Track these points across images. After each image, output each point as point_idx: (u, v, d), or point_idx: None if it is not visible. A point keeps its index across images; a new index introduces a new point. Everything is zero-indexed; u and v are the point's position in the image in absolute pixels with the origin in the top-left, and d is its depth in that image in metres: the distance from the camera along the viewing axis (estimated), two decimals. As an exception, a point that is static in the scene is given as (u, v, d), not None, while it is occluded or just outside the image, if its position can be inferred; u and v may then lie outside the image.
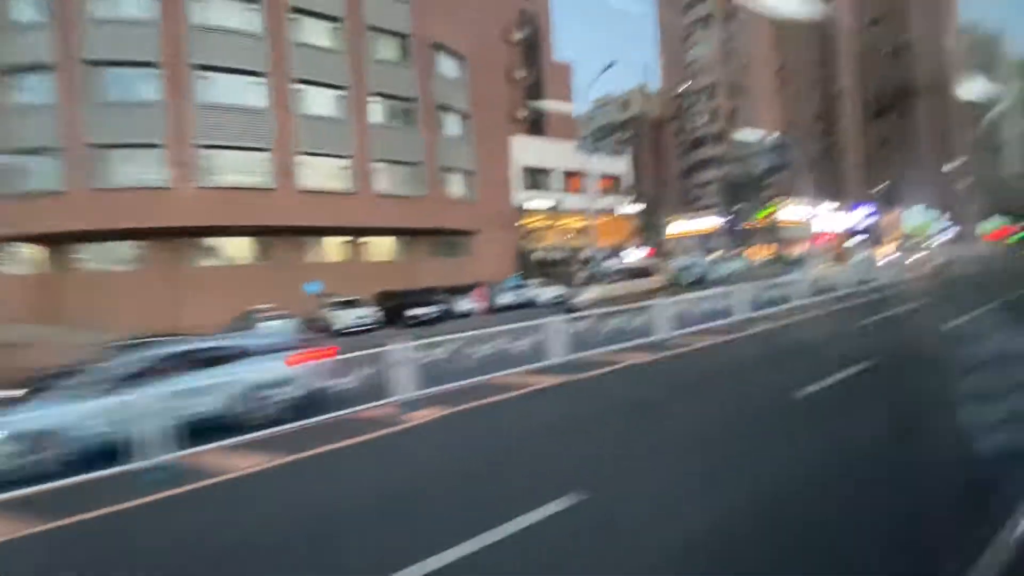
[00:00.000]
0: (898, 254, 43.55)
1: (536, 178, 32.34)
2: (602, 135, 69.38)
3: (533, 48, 36.80)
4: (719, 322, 11.62)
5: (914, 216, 67.06)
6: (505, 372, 8.22)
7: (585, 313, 11.10)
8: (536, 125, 36.76)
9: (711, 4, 55.52)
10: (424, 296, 22.14)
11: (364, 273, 25.01)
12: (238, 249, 23.46)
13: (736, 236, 47.39)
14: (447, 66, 27.82)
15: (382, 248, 27.05)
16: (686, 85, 59.20)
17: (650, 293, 16.70)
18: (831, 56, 68.21)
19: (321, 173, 23.07)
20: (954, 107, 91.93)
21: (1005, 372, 5.50)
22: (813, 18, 61.05)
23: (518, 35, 36.17)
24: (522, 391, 7.62)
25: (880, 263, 23.80)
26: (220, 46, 20.78)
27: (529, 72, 36.86)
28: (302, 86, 22.59)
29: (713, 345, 10.14)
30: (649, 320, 10.51)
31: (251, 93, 21.51)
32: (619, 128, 66.97)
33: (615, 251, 34.29)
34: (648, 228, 53.58)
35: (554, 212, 32.27)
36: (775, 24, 56.05)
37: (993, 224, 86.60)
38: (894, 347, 8.57)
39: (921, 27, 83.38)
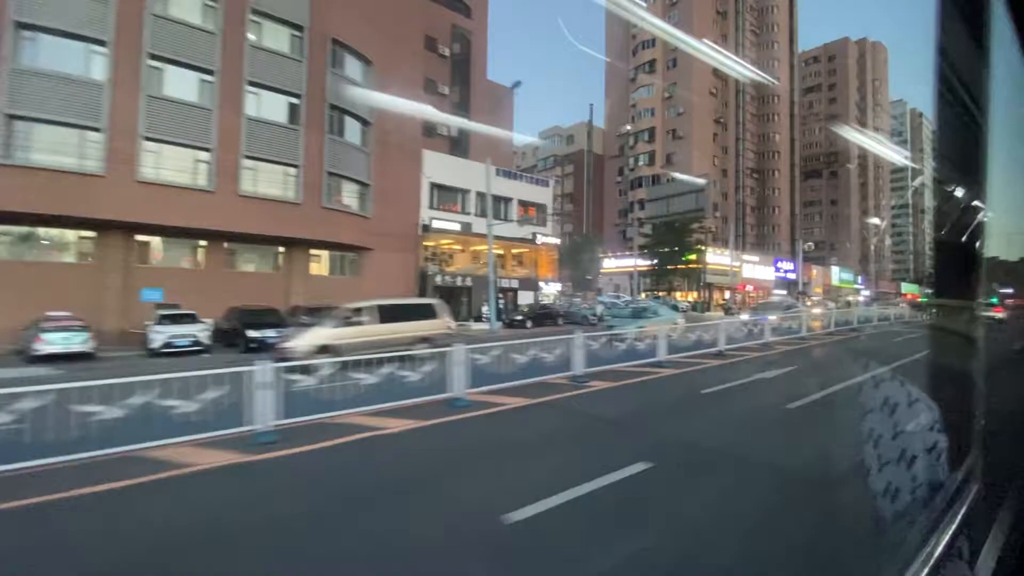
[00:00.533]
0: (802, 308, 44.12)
1: (447, 198, 30.16)
2: (545, 166, 69.09)
3: (463, 65, 35.25)
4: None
5: (836, 274, 69.52)
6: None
7: (307, 362, 8.35)
8: (458, 144, 34.89)
9: (656, 50, 56.55)
10: (278, 316, 19.10)
11: (226, 284, 21.71)
12: (65, 243, 19.79)
13: (662, 277, 46.86)
14: (351, 68, 25.56)
15: (261, 257, 23.88)
16: (627, 127, 59.66)
17: (425, 339, 13.60)
18: (768, 115, 71.34)
19: (173, 164, 19.91)
20: (880, 173, 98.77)
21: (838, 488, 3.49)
22: (752, 79, 63.55)
23: (445, 50, 34.56)
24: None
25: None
26: (57, 10, 17.69)
27: (456, 89, 35.16)
28: (159, 64, 19.61)
29: (414, 431, 6.67)
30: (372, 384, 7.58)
31: (89, 64, 18.36)
32: (562, 160, 66.73)
33: (528, 282, 32.36)
34: (576, 263, 52.55)
35: (466, 235, 30.08)
36: (717, 76, 57.68)
37: (910, 287, 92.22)
38: (698, 437, 6.46)
39: (852, 98, 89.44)
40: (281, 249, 23.84)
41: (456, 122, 34.65)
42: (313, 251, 25.05)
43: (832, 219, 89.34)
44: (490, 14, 38.71)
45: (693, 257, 46.05)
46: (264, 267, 23.95)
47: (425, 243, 29.17)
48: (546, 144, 67.85)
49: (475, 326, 26.10)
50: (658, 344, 12.37)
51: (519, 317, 26.51)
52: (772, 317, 24.68)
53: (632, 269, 50.96)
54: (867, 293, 76.62)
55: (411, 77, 28.76)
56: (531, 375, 9.52)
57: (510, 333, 23.26)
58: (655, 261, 46.90)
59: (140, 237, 20.74)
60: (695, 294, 46.83)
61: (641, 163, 57.78)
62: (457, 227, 29.14)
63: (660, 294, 47.41)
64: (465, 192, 31.08)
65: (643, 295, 49.12)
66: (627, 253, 53.13)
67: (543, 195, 34.94)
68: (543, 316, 27.13)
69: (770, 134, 71.47)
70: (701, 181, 43.48)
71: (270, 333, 17.64)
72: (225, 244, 22.62)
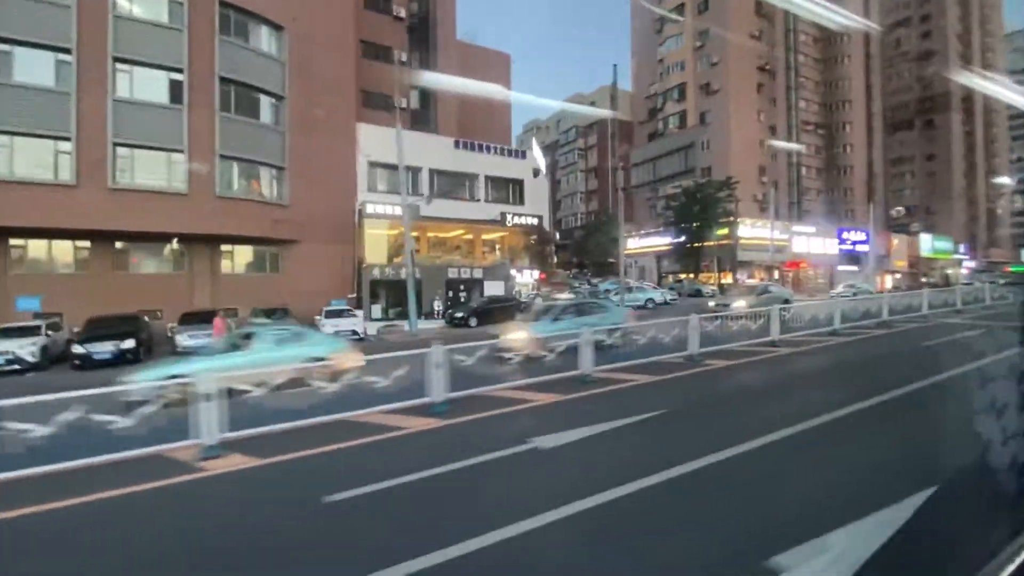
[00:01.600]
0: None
1: (392, 178, 26.39)
2: (567, 139, 63.12)
3: (424, 28, 31.02)
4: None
5: (927, 244, 57.78)
6: None
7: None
8: (421, 117, 30.85)
9: (684, -8, 48.66)
10: (134, 325, 16.44)
11: (120, 289, 19.56)
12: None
13: (687, 257, 40.24)
14: (257, 35, 22.36)
15: (155, 257, 21.60)
16: (655, 85, 52.33)
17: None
18: (836, 57, 60.19)
19: (28, 158, 17.80)
20: (994, 119, 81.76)
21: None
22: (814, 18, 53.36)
23: (401, 10, 30.42)
24: None
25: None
26: None
27: (417, 55, 31.02)
28: (5, 47, 17.43)
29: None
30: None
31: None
32: (585, 131, 60.45)
33: (495, 271, 27.93)
34: (593, 245, 46.93)
35: (415, 221, 26.24)
36: (760, 16, 48.71)
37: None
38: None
39: (952, 30, 74.04)
40: (176, 246, 21.30)
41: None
42: (225, 247, 22.39)
43: (928, 178, 75.19)
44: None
45: (724, 232, 38.94)
46: (165, 268, 21.60)
47: (371, 231, 25.69)
48: (567, 112, 61.69)
49: (422, 325, 22.27)
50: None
51: (460, 315, 22.34)
52: (739, 304, 18.63)
53: (654, 249, 44.74)
54: (972, 264, 63.41)
55: (341, 41, 25.06)
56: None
57: (433, 335, 19.22)
58: (681, 239, 40.34)
59: (14, 241, 18.99)
60: (727, 275, 39.71)
61: (672, 126, 50.45)
62: (396, 211, 25.28)
63: (684, 277, 40.84)
64: (417, 171, 27.12)
65: (668, 279, 42.78)
66: (653, 231, 46.75)
67: (519, 169, 30.10)
68: (492, 312, 22.75)
69: (840, 81, 60.30)
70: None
71: (98, 348, 15.01)
72: (117, 244, 20.47)
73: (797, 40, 50.78)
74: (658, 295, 28.20)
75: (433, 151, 27.41)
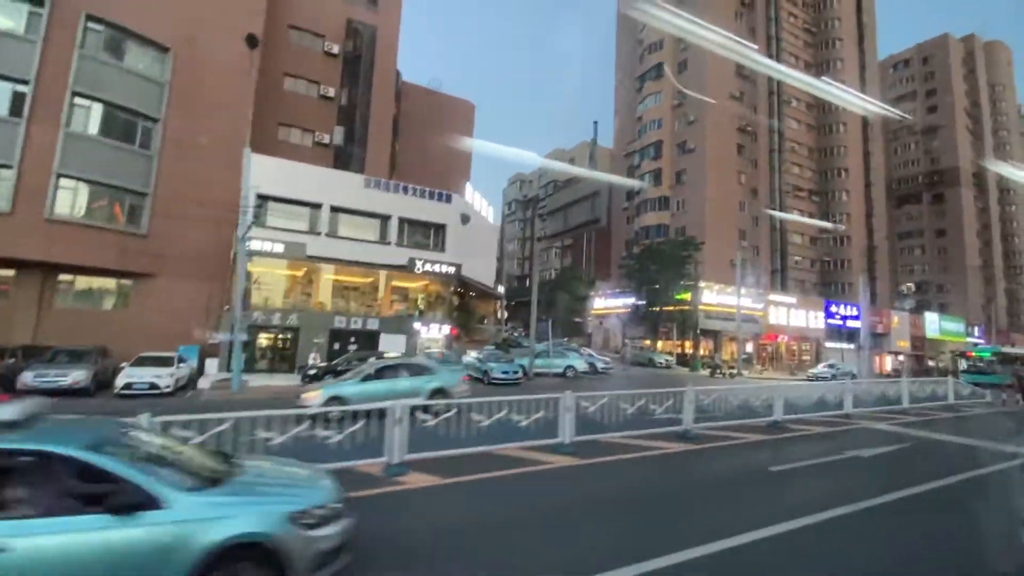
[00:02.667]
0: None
1: (285, 213, 24.06)
2: (546, 193, 61.35)
3: (357, 65, 29.79)
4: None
5: (933, 324, 52.68)
6: None
7: None
8: (343, 154, 28.96)
9: (664, 53, 47.73)
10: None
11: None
12: None
13: (644, 321, 36.56)
14: (135, 55, 20.95)
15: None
16: (634, 143, 50.63)
17: None
18: (830, 125, 58.10)
19: None
20: (1010, 198, 77.60)
21: None
22: (790, 79, 51.88)
23: (334, 47, 29.32)
24: None
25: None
26: None
27: (348, 91, 29.59)
28: None
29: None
30: None
31: None
32: (563, 186, 58.64)
33: (397, 325, 24.81)
34: (557, 302, 43.63)
35: (296, 259, 23.66)
36: (741, 76, 47.23)
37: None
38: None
39: (960, 104, 71.87)
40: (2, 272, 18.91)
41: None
42: (65, 276, 19.96)
43: (939, 254, 70.69)
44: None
45: (685, 296, 35.34)
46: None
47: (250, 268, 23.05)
48: (546, 167, 60.30)
49: (280, 381, 19.04)
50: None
51: (314, 372, 19.09)
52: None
53: (619, 311, 41.21)
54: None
55: (238, 68, 23.58)
56: None
57: (266, 395, 16.10)
58: (639, 301, 36.88)
59: None
60: (690, 344, 35.67)
61: (648, 184, 48.14)
62: (279, 248, 22.73)
63: (643, 345, 36.98)
64: (315, 207, 24.80)
65: (627, 345, 38.92)
66: (618, 292, 43.38)
67: (442, 213, 27.58)
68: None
69: (835, 148, 57.87)
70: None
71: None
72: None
73: (781, 103, 48.84)
74: (579, 362, 24.47)
75: (338, 188, 25.18)
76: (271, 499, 3.74)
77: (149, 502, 3.18)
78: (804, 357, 43.00)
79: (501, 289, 35.26)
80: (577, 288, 43.48)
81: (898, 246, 73.97)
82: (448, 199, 28.01)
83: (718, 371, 29.10)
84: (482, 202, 34.04)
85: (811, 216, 57.19)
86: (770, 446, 9.61)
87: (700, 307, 34.65)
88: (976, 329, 57.44)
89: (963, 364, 32.73)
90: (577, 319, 47.23)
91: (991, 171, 73.11)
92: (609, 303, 44.15)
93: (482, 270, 31.73)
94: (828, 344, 42.51)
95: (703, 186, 44.02)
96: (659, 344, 37.18)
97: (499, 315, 38.11)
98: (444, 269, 26.33)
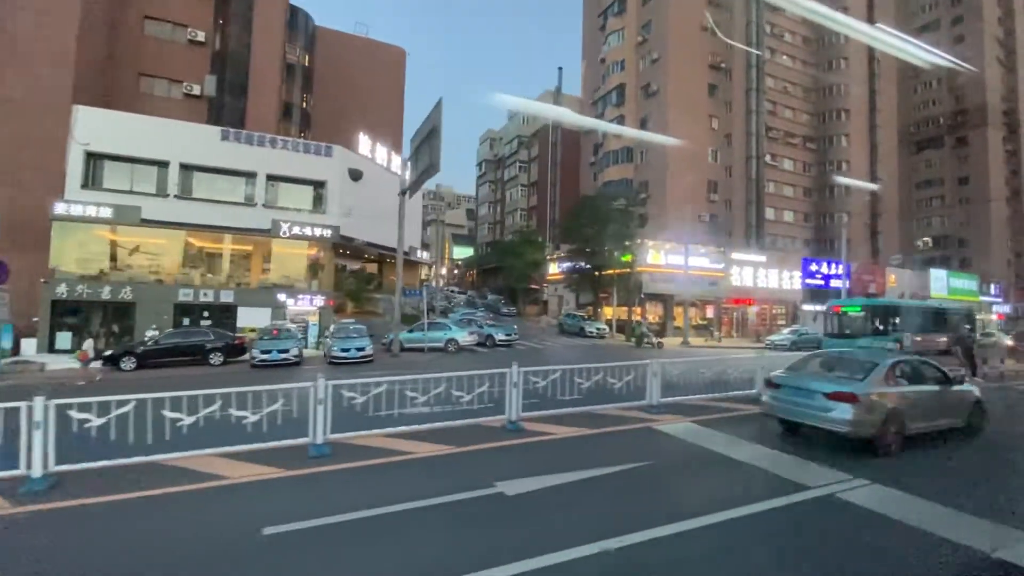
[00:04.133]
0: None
1: (122, 173, 21.19)
2: (511, 151, 56.84)
3: (233, 3, 26.13)
4: None
5: (940, 281, 47.11)
6: None
7: None
8: (221, 110, 25.72)
9: (628, -18, 42.04)
10: None
11: None
12: None
13: (585, 286, 32.94)
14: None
15: None
16: (600, 89, 45.61)
17: None
18: (832, 60, 51.47)
19: None
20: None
21: None
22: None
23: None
24: None
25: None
26: None
27: (222, 34, 26.09)
28: None
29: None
30: None
31: None
32: (528, 142, 54.04)
33: (259, 297, 22.02)
34: (502, 268, 40.17)
35: (131, 225, 20.90)
36: (715, 4, 41.37)
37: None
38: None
39: (991, 31, 63.19)
40: None
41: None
42: None
43: (961, 204, 63.63)
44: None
45: (629, 257, 31.40)
46: None
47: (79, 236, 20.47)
48: (513, 119, 55.60)
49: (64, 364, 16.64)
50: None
51: (110, 353, 16.53)
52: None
53: (563, 276, 37.59)
54: (1006, 310, 51.68)
55: (62, 10, 20.36)
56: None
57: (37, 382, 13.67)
58: (580, 264, 33.16)
59: None
60: (638, 311, 31.87)
61: (610, 134, 43.40)
62: (106, 212, 19.96)
63: (582, 313, 33.42)
64: (163, 165, 21.83)
65: (580, 312, 35.40)
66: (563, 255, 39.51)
67: (321, 169, 24.23)
68: (169, 352, 16.86)
69: (835, 87, 51.44)
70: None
71: None
72: None
73: (761, 33, 42.77)
74: (463, 335, 21.22)
75: (190, 143, 22.08)
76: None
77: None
78: (780, 322, 38.75)
79: (425, 255, 31.99)
80: (527, 252, 39.81)
81: (915, 197, 67.11)
82: (329, 152, 24.60)
83: (645, 340, 25.49)
84: (391, 156, 30.55)
85: (805, 166, 51.49)
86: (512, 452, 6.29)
87: (640, 269, 30.66)
88: (993, 287, 51.41)
89: (830, 324, 21.95)
90: (533, 286, 43.79)
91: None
92: (564, 267, 40.46)
93: (390, 233, 28.57)
94: (805, 307, 38.02)
95: (666, 133, 39.12)
96: (606, 311, 33.52)
97: (436, 282, 34.96)
98: (319, 232, 23.21)
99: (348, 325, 19.39)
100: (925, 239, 66.72)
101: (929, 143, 66.49)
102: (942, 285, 47.20)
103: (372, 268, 31.58)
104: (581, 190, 50.09)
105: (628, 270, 30.21)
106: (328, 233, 23.36)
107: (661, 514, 4.28)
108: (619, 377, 9.21)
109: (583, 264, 32.85)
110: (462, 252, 69.40)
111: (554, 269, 41.76)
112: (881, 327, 19.81)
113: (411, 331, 21.17)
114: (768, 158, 47.75)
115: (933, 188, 66.40)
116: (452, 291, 54.21)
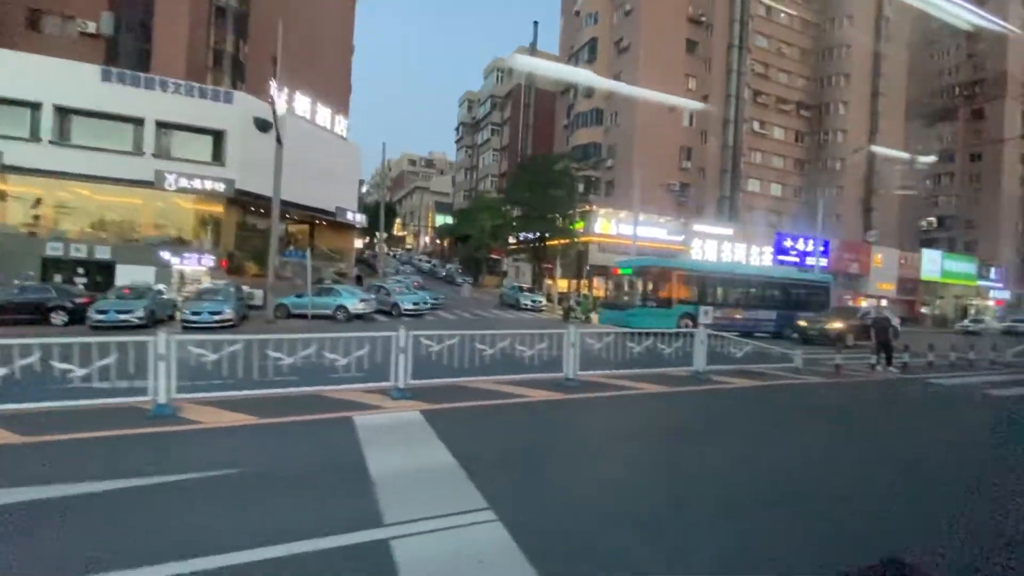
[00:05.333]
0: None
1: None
2: (485, 112, 53.86)
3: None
4: None
5: (933, 263, 44.06)
6: None
7: None
8: (119, 49, 23.53)
9: (605, -75, 38.29)
10: None
11: None
12: None
13: (531, 256, 30.84)
14: None
15: None
16: (575, 46, 42.33)
17: None
18: (833, 20, 47.30)
19: None
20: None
21: None
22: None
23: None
24: None
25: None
26: None
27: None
28: None
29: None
30: None
31: None
32: (502, 102, 51.02)
33: (141, 254, 20.33)
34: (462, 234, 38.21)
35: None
36: (702, -44, 37.54)
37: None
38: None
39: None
40: None
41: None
42: None
43: (971, 181, 59.52)
44: None
45: (580, 226, 29.10)
46: None
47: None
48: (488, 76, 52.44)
49: None
50: None
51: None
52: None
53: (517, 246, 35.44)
54: (1006, 296, 48.39)
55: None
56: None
57: None
58: (527, 233, 30.97)
59: None
60: (584, 283, 29.73)
61: (581, 94, 40.42)
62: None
63: (524, 285, 31.38)
64: (34, 107, 19.91)
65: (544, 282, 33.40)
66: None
67: (221, 117, 22.11)
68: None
69: (834, 49, 47.45)
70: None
71: None
72: None
73: (749, -17, 38.93)
74: (353, 302, 19.36)
75: (67, 83, 20.08)
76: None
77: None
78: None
79: (356, 217, 30.02)
80: (485, 220, 37.58)
81: (922, 173, 62.81)
82: (228, 99, 22.45)
83: (572, 313, 23.43)
84: (332, 115, 28.33)
85: (798, 135, 47.94)
86: None
87: (588, 239, 28.37)
88: (993, 272, 48.04)
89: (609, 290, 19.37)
90: (495, 255, 41.72)
91: (1051, 79, 59.36)
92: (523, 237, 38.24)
93: (322, 193, 26.65)
94: (779, 286, 35.43)
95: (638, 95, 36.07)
96: (561, 284, 31.36)
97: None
98: (210, 186, 21.28)
99: (219, 287, 17.63)
100: (930, 219, 62.85)
101: (943, 115, 61.87)
102: (935, 268, 44.14)
103: (302, 230, 29.76)
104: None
105: (570, 240, 27.94)
106: (222, 187, 21.42)
107: None
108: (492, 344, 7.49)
109: (530, 234, 30.65)
110: (443, 220, 67.24)
111: (512, 239, 39.59)
112: (665, 296, 16.46)
113: (299, 296, 19.38)
114: (756, 125, 44.50)
115: (943, 164, 62.01)
116: (421, 260, 52.38)
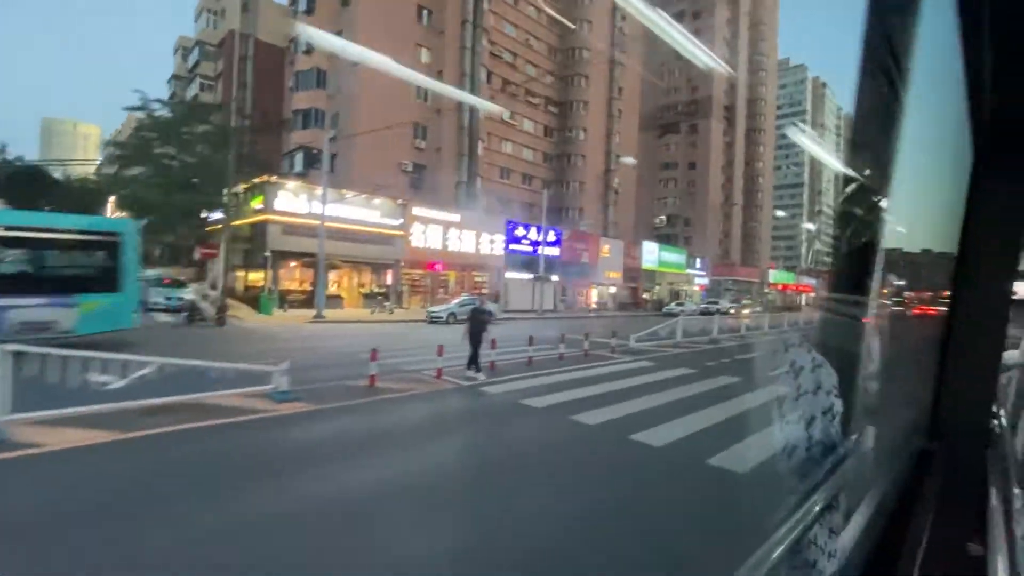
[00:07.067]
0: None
1: None
2: (194, 62, 43.99)
3: None
4: None
5: (652, 254, 49.22)
6: None
7: None
8: None
9: None
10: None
11: None
12: None
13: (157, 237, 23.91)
14: None
15: None
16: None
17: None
18: (574, 20, 49.35)
19: None
20: (758, 137, 79.96)
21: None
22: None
23: None
24: None
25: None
26: None
27: None
28: None
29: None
30: None
31: None
32: (215, 54, 41.84)
33: None
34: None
35: None
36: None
37: (782, 276, 74.54)
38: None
39: (724, 33, 69.36)
40: None
41: None
42: None
43: (689, 186, 70.02)
44: None
45: (258, 201, 23.12)
46: None
47: None
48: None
49: None
50: None
51: None
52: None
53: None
54: (706, 282, 57.59)
55: None
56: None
57: None
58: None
59: None
60: (268, 273, 23.96)
61: (300, 52, 34.18)
62: None
63: (182, 278, 24.48)
64: None
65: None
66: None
67: None
68: None
69: (577, 50, 49.64)
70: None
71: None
72: None
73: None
74: None
75: None
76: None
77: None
78: (485, 291, 34.88)
79: None
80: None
81: (657, 177, 72.00)
82: None
83: (198, 316, 17.67)
84: None
85: (547, 130, 49.26)
86: None
87: (267, 217, 22.72)
88: (699, 261, 56.57)
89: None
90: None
91: (741, 106, 73.60)
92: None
93: None
94: (510, 275, 34.71)
95: (358, 57, 31.34)
96: (252, 275, 24.99)
97: None
98: None
99: None
100: (661, 217, 72.58)
101: (669, 127, 71.65)
102: (653, 258, 49.62)
103: None
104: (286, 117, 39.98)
105: (225, 217, 21.88)
106: None
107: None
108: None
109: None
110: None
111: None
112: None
113: None
114: (507, 115, 43.98)
115: (671, 171, 71.78)
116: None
